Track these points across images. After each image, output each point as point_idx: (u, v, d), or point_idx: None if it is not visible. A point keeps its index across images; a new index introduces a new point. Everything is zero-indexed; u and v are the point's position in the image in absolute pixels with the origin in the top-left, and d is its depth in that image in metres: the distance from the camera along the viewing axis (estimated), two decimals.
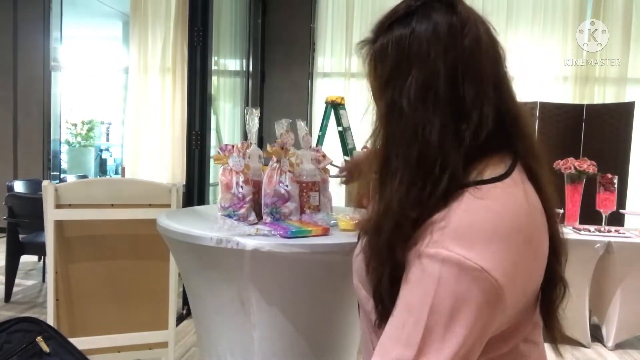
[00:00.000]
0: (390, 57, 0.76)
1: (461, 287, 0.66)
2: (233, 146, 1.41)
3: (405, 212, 0.72)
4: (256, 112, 1.49)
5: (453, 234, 0.68)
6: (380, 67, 0.78)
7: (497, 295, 0.67)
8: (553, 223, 0.79)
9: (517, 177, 0.75)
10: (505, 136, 0.76)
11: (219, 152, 1.40)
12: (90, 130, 8.80)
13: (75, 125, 8.64)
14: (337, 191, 1.86)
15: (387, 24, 0.78)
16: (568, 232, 3.11)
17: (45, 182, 2.00)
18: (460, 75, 0.72)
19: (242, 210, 1.37)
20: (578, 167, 3.20)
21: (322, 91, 5.72)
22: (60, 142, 6.64)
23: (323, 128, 3.92)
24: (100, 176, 8.45)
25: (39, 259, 4.50)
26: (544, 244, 0.76)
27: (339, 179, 1.51)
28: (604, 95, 5.34)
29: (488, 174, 0.74)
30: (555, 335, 0.88)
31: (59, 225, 2.06)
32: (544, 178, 0.79)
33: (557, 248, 0.80)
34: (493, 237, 0.68)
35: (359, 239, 0.88)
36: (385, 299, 0.74)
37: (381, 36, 0.78)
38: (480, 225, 0.69)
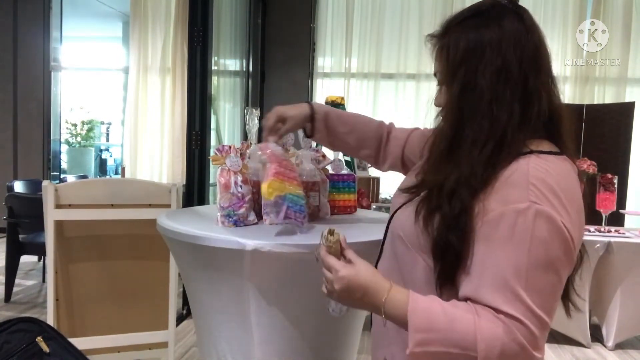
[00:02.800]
0: (463, 44, 0.87)
1: (550, 239, 0.77)
2: (230, 147, 1.41)
3: (475, 170, 0.83)
4: (256, 112, 1.48)
5: (537, 190, 0.79)
6: (452, 52, 0.88)
7: (572, 249, 0.80)
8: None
9: (565, 159, 0.88)
10: (554, 130, 0.89)
11: (216, 153, 1.40)
12: (90, 130, 8.80)
13: (75, 125, 8.64)
14: None
15: (458, 20, 0.90)
16: None
17: (45, 182, 2.00)
18: (526, 65, 0.85)
19: (242, 210, 1.37)
20: (578, 167, 3.20)
21: (322, 91, 5.72)
22: (60, 142, 6.64)
23: None
24: (100, 176, 8.46)
25: (39, 259, 4.50)
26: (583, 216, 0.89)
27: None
28: (604, 95, 5.33)
29: (546, 148, 0.86)
30: (568, 305, 0.97)
31: (59, 225, 2.06)
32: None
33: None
34: (566, 197, 0.80)
35: (409, 200, 0.96)
36: (455, 250, 0.83)
37: (452, 29, 0.90)
38: (557, 188, 0.80)
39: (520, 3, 0.90)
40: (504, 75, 0.84)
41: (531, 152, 0.84)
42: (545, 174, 0.81)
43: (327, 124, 1.29)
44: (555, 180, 0.80)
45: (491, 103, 0.84)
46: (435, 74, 0.94)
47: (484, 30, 0.86)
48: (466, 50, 0.87)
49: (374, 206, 3.44)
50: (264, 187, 1.20)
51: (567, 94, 5.31)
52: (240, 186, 1.37)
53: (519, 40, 0.85)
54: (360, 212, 1.69)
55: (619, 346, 3.18)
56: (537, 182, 0.80)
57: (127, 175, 5.83)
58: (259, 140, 1.40)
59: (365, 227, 1.43)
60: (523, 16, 0.88)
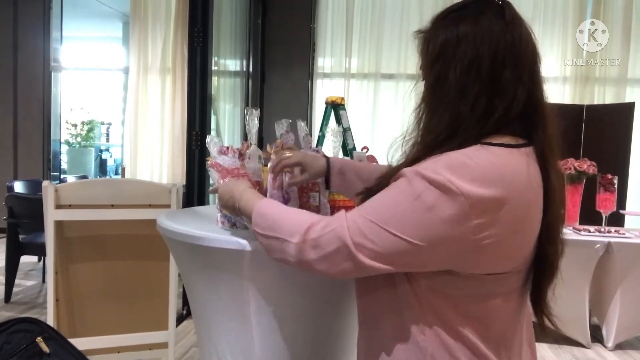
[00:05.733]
0: (441, 38, 0.88)
1: (437, 203, 0.78)
2: (228, 147, 1.41)
3: (418, 157, 0.86)
4: (256, 113, 1.48)
5: (447, 164, 0.80)
6: (431, 46, 0.90)
7: (465, 219, 0.78)
8: (552, 210, 0.87)
9: (525, 153, 0.86)
10: (530, 125, 0.87)
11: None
12: (90, 130, 8.81)
13: (75, 125, 8.64)
14: None
15: (443, 16, 0.92)
16: (568, 232, 3.11)
17: (45, 183, 2.00)
18: (501, 59, 0.84)
19: None
20: (578, 168, 3.20)
21: (322, 91, 5.72)
22: (60, 143, 6.64)
23: (323, 128, 3.91)
24: (100, 176, 8.46)
25: (39, 259, 4.50)
26: (530, 219, 0.85)
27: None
28: (604, 95, 5.33)
29: (503, 141, 0.85)
30: (542, 318, 0.94)
31: (59, 225, 2.06)
32: (553, 169, 0.88)
33: (551, 233, 0.89)
34: (481, 180, 0.78)
35: None
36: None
37: (435, 24, 0.92)
38: (473, 166, 0.80)
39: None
40: (475, 68, 0.84)
41: (481, 143, 0.84)
42: (471, 158, 0.81)
43: (343, 178, 1.29)
44: (479, 164, 0.80)
45: (456, 96, 0.85)
46: (420, 69, 0.96)
47: (461, 25, 0.87)
48: (443, 44, 0.88)
49: None
50: None
51: (567, 94, 5.31)
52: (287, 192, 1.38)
53: (494, 34, 0.85)
54: None
55: (619, 346, 3.17)
56: (452, 160, 0.81)
57: (127, 175, 5.84)
58: (259, 141, 1.40)
59: None
60: (504, 11, 0.87)
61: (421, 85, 0.95)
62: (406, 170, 0.83)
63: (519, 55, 0.85)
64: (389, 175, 0.89)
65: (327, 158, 1.30)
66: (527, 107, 0.86)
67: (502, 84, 0.84)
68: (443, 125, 0.86)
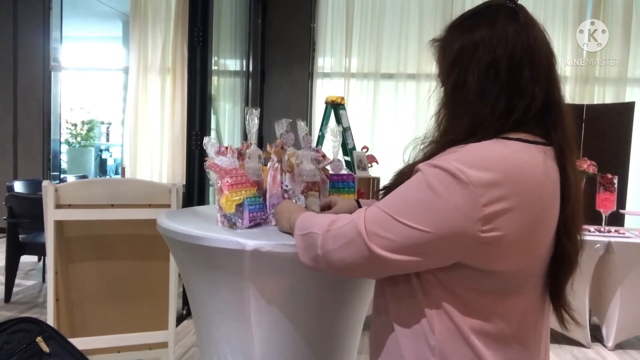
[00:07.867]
0: (458, 45, 0.90)
1: (447, 191, 0.80)
2: (227, 148, 1.41)
3: (435, 152, 0.89)
4: (256, 112, 1.48)
5: (459, 155, 0.82)
6: (448, 53, 0.92)
7: (474, 209, 0.78)
8: (571, 205, 0.87)
9: (543, 150, 0.86)
10: (549, 124, 0.88)
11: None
12: (90, 130, 8.81)
13: (75, 125, 8.64)
14: None
15: (456, 23, 0.94)
16: None
17: (45, 182, 2.00)
18: (518, 61, 0.86)
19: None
20: (578, 167, 3.20)
21: (322, 91, 5.72)
22: (60, 142, 6.64)
23: (323, 128, 3.91)
24: (100, 176, 8.46)
25: (39, 259, 4.50)
26: (546, 213, 0.85)
27: None
28: (604, 95, 5.34)
29: (516, 137, 0.86)
30: (561, 313, 0.94)
31: (59, 225, 2.06)
32: (571, 166, 0.88)
33: (570, 229, 0.88)
34: (490, 170, 0.79)
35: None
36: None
37: (450, 31, 0.94)
38: (484, 157, 0.81)
39: (520, 3, 0.89)
40: (493, 71, 0.86)
41: (499, 137, 0.86)
42: (484, 149, 0.83)
43: None
44: (490, 156, 0.82)
45: (476, 98, 0.87)
46: (438, 76, 0.98)
47: (477, 30, 0.88)
48: (459, 50, 0.90)
49: None
50: (223, 202, 1.28)
51: (567, 94, 5.23)
52: (287, 185, 1.39)
53: (510, 37, 0.86)
54: None
55: (619, 346, 3.17)
56: (466, 151, 0.83)
57: (127, 175, 5.83)
58: (259, 140, 1.41)
59: None
60: (518, 14, 0.88)
61: (439, 91, 0.97)
62: (421, 164, 0.86)
63: (534, 57, 0.87)
64: (407, 172, 0.91)
65: (358, 202, 1.34)
66: (546, 105, 0.88)
67: (520, 84, 0.86)
68: (464, 127, 0.88)
